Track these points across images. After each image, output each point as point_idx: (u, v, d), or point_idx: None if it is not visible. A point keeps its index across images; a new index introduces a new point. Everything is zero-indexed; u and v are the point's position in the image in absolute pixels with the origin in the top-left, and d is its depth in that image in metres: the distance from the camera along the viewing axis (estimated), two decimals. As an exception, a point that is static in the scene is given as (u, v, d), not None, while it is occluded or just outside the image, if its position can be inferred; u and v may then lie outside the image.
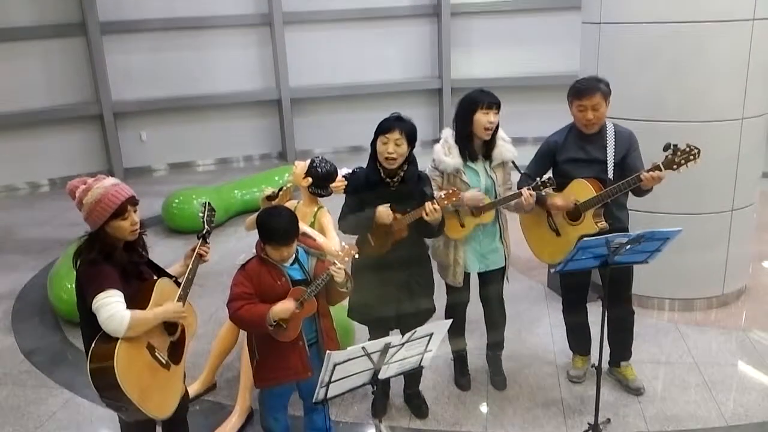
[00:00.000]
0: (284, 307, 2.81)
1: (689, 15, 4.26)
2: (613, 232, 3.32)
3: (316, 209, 3.66)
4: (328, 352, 2.31)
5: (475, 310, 3.93)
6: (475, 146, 3.56)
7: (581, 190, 3.52)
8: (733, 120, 4.44)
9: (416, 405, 3.78)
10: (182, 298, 2.70)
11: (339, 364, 2.33)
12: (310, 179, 3.60)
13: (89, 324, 2.48)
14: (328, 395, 2.43)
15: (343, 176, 3.66)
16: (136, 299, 2.53)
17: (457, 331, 3.91)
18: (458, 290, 3.76)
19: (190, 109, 9.89)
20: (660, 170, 3.27)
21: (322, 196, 3.67)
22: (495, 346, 4.03)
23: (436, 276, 3.68)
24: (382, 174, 3.30)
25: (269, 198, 3.58)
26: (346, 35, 10.18)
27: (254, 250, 2.96)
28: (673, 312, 4.81)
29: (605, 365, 3.83)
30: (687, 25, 4.27)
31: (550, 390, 3.96)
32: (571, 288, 3.94)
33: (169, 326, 2.69)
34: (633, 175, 3.38)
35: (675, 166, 3.25)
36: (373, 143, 3.29)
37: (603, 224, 3.51)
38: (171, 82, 9.71)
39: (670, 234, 3.08)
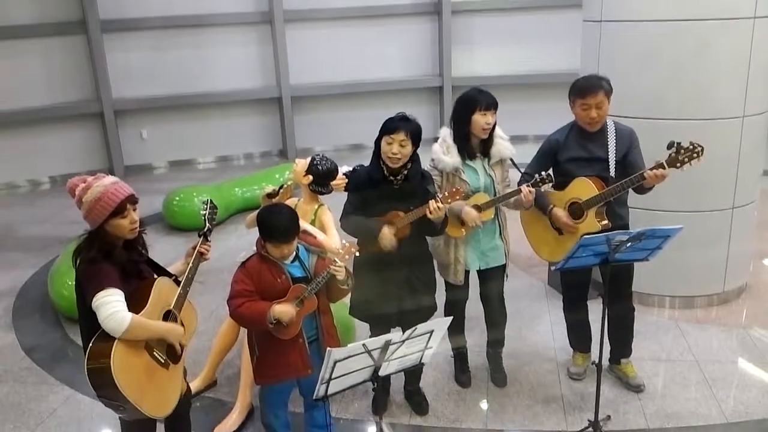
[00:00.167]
0: (284, 309, 2.81)
1: (690, 13, 4.25)
2: (614, 230, 3.32)
3: (316, 207, 3.66)
4: (328, 349, 2.31)
5: (475, 307, 3.93)
6: (473, 145, 3.57)
7: (584, 188, 3.52)
8: (734, 118, 4.44)
9: (417, 402, 3.78)
10: (182, 296, 2.70)
11: (339, 361, 2.33)
12: (310, 177, 3.61)
13: (88, 322, 2.47)
14: (329, 392, 2.43)
15: (344, 174, 3.66)
16: (135, 298, 2.53)
17: (456, 329, 3.91)
18: (457, 288, 3.76)
19: (190, 106, 9.90)
20: (664, 168, 3.28)
21: (322, 193, 3.67)
22: (495, 343, 4.03)
23: (437, 274, 3.68)
24: (385, 172, 3.30)
25: (270, 196, 3.58)
26: (346, 33, 10.18)
27: (255, 248, 2.96)
28: (673, 309, 4.81)
29: (605, 362, 3.84)
30: (688, 24, 4.27)
31: (551, 387, 3.97)
32: (571, 285, 3.94)
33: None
34: (634, 172, 3.39)
35: (678, 164, 3.25)
36: (378, 141, 3.29)
37: (606, 222, 3.52)
38: (171, 79, 9.72)
39: (671, 231, 3.08)
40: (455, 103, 3.60)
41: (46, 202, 8.50)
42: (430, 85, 10.61)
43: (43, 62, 9.16)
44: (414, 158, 3.32)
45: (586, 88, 3.49)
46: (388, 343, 2.42)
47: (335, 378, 2.39)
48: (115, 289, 2.44)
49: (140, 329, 2.47)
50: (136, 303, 2.51)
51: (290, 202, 3.59)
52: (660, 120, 4.38)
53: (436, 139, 3.65)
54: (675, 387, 3.92)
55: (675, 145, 3.26)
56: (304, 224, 3.35)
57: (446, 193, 3.21)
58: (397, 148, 3.20)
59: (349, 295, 3.24)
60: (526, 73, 10.27)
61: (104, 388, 2.40)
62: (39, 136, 9.26)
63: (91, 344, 2.44)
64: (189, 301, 2.75)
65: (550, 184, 3.42)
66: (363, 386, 2.88)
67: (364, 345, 2.37)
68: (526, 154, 3.80)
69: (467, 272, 3.74)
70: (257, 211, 3.02)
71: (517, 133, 4.03)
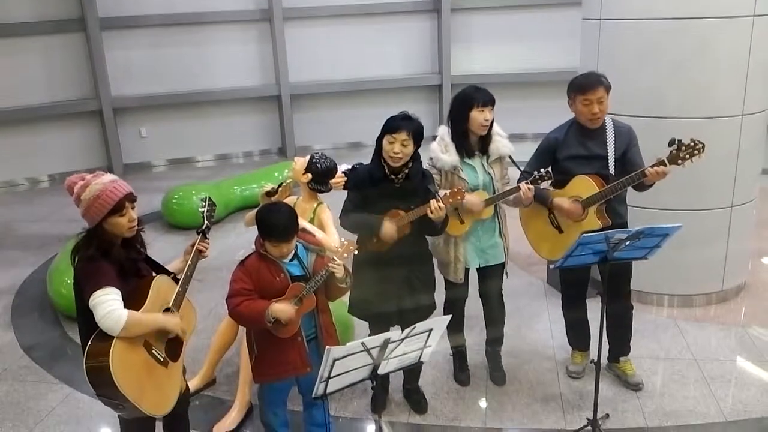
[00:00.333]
0: (283, 308, 2.81)
1: (689, 11, 4.25)
2: (614, 227, 3.32)
3: (315, 205, 3.66)
4: (327, 347, 2.31)
5: (474, 305, 3.93)
6: (471, 142, 3.56)
7: (583, 186, 3.52)
8: (733, 116, 4.44)
9: (416, 400, 3.78)
10: (180, 294, 2.69)
11: (338, 359, 2.33)
12: (309, 175, 3.60)
13: (86, 321, 2.47)
14: (328, 390, 2.43)
15: (343, 172, 3.66)
16: (133, 297, 2.52)
17: (456, 327, 3.91)
18: (457, 286, 3.76)
19: (189, 104, 9.89)
20: (665, 165, 3.28)
21: (321, 192, 3.67)
22: (494, 341, 4.03)
23: (436, 272, 3.68)
24: (386, 170, 3.30)
25: (269, 194, 3.58)
26: (346, 31, 10.17)
27: (253, 246, 2.96)
28: (672, 308, 4.81)
29: (604, 361, 3.84)
30: (687, 22, 4.27)
31: (550, 385, 3.97)
32: (570, 284, 3.94)
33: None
34: (633, 169, 3.39)
35: (679, 161, 3.26)
36: (379, 140, 3.28)
37: (606, 220, 3.52)
38: (171, 77, 9.70)
39: (670, 230, 3.07)
40: (452, 101, 3.59)
41: (45, 200, 8.50)
42: (430, 83, 10.60)
43: (43, 60, 9.14)
44: (415, 157, 3.31)
45: (587, 84, 3.50)
46: (387, 342, 2.42)
47: (334, 376, 2.39)
48: (112, 287, 2.44)
49: (138, 326, 2.46)
50: (134, 301, 2.50)
51: (289, 200, 3.59)
52: (659, 118, 4.38)
53: (435, 138, 3.65)
54: (674, 385, 3.92)
55: (676, 142, 3.26)
56: (303, 222, 3.34)
57: (447, 193, 3.21)
58: (398, 148, 3.20)
59: (348, 293, 3.24)
60: (525, 71, 10.26)
61: (103, 386, 2.40)
62: (38, 134, 9.25)
63: (89, 343, 2.44)
64: (188, 299, 2.75)
65: (550, 181, 3.42)
66: (362, 385, 2.88)
67: (363, 343, 2.37)
68: (525, 152, 3.79)
69: (467, 270, 3.75)
70: (256, 210, 3.02)
71: (515, 131, 4.02)
